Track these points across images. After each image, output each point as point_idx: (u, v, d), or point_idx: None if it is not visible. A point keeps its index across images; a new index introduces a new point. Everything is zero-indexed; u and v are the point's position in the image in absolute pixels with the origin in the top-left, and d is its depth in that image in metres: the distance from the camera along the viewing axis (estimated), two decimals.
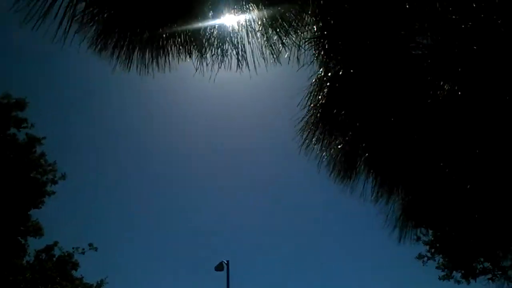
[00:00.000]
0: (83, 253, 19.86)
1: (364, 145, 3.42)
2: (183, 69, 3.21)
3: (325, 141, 3.68)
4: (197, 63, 3.03)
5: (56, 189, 18.70)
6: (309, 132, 3.33)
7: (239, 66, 2.99)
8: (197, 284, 37.35)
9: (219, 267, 21.47)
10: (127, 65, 3.28)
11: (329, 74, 3.39)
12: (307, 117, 3.31)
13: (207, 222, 40.21)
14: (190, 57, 3.05)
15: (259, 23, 3.13)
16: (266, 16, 3.07)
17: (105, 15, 3.01)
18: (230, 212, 40.14)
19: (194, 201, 40.21)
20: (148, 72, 3.26)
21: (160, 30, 3.13)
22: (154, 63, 3.25)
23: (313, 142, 3.73)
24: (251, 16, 3.06)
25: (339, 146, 3.85)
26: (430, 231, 13.37)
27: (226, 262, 21.47)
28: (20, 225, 18.09)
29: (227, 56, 3.00)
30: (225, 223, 41.04)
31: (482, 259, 13.17)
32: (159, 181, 39.13)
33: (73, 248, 19.95)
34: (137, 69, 3.28)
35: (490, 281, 13.21)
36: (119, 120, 34.81)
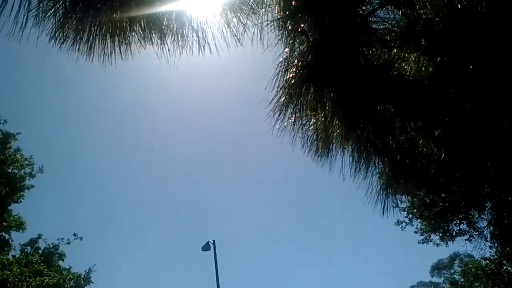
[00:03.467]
0: (68, 243, 19.81)
1: (337, 122, 3.45)
2: (146, 57, 3.19)
3: (297, 121, 3.71)
4: (158, 50, 3.00)
5: (34, 183, 18.52)
6: (280, 113, 3.34)
7: (200, 51, 2.96)
8: (185, 265, 37.75)
9: (206, 247, 21.68)
10: (89, 56, 3.24)
11: (295, 53, 3.40)
12: (276, 98, 3.32)
13: (192, 204, 40.31)
14: (151, 44, 3.02)
15: (219, 6, 3.10)
16: None
17: (62, 6, 2.95)
18: (214, 194, 40.28)
19: (177, 185, 40.15)
20: (110, 62, 3.22)
21: (119, 17, 3.09)
22: (116, 52, 3.21)
23: (285, 122, 3.76)
24: None
25: (311, 126, 3.90)
26: (407, 198, 13.67)
27: (212, 242, 21.69)
28: (2, 221, 17.87)
29: (188, 41, 2.97)
30: (209, 205, 41.26)
31: (458, 221, 13.53)
32: (141, 167, 38.92)
33: (58, 239, 19.91)
34: (99, 59, 3.24)
35: (467, 241, 13.63)
36: (90, 111, 34.26)
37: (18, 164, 17.66)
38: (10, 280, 16.72)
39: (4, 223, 18.06)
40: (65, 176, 35.04)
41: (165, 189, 40.13)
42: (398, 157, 4.54)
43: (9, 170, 17.50)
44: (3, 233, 18.64)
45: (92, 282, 18.92)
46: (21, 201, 18.10)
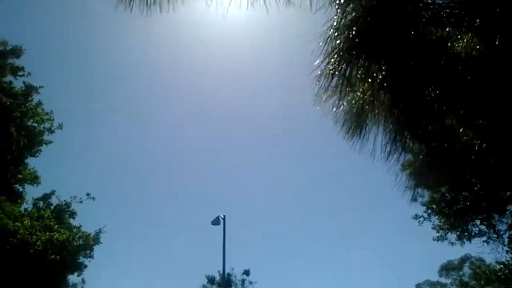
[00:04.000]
0: (80, 202, 19.97)
1: (383, 95, 3.23)
2: (192, 7, 3.01)
3: (342, 92, 3.51)
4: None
5: (53, 139, 18.60)
6: (324, 81, 3.13)
7: (250, 4, 2.77)
8: (194, 237, 38.08)
9: (215, 222, 21.75)
10: (129, 4, 3.07)
11: (347, 19, 3.19)
12: (323, 64, 3.10)
13: (205, 177, 40.42)
14: None
15: None
16: None
17: None
18: (228, 167, 40.26)
19: (193, 155, 40.21)
20: (150, 12, 3.05)
21: None
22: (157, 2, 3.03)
23: (329, 91, 3.55)
24: None
25: (353, 100, 3.69)
26: (427, 193, 13.44)
27: (222, 217, 21.73)
28: (18, 173, 18.06)
29: None
30: (223, 178, 41.34)
31: (478, 222, 13.29)
32: (159, 133, 38.95)
33: (70, 197, 20.08)
34: (140, 7, 3.07)
35: (485, 243, 13.38)
36: (119, 68, 33.96)
37: (38, 118, 17.73)
38: (20, 232, 16.96)
39: (19, 175, 18.25)
40: (84, 136, 35.15)
41: (184, 157, 39.98)
42: (435, 143, 4.35)
43: (29, 123, 17.59)
44: (18, 185, 18.87)
45: (101, 243, 19.09)
46: (38, 156, 18.26)
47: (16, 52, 16.58)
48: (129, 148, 39.34)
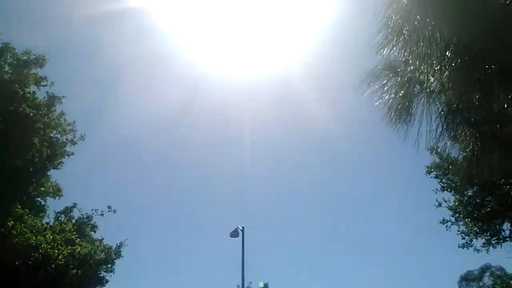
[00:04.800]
0: (102, 215, 20.00)
1: (448, 64, 3.16)
2: None
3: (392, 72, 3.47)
4: None
5: (75, 150, 18.64)
6: (385, 49, 3.07)
7: None
8: (213, 249, 37.75)
9: (234, 234, 21.53)
10: None
11: None
12: (385, 32, 3.05)
13: (223, 189, 40.10)
14: None
15: None
16: None
17: None
18: (246, 178, 39.82)
19: (212, 166, 39.87)
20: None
21: None
22: None
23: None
24: None
25: (401, 81, 3.64)
26: (453, 197, 13.19)
27: (241, 228, 21.53)
28: (40, 186, 18.12)
29: None
30: (241, 189, 41.00)
31: (505, 226, 13.00)
32: (181, 145, 38.53)
33: (92, 210, 20.13)
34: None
35: None
36: (139, 80, 33.59)
37: (61, 129, 17.75)
38: (43, 246, 16.96)
39: (42, 188, 18.31)
40: (105, 147, 34.83)
41: (203, 169, 39.58)
42: (486, 128, 4.24)
43: (52, 135, 17.61)
44: (40, 198, 18.92)
45: (122, 256, 19.04)
46: (60, 168, 18.29)
47: (39, 61, 16.65)
48: (150, 161, 39.24)
